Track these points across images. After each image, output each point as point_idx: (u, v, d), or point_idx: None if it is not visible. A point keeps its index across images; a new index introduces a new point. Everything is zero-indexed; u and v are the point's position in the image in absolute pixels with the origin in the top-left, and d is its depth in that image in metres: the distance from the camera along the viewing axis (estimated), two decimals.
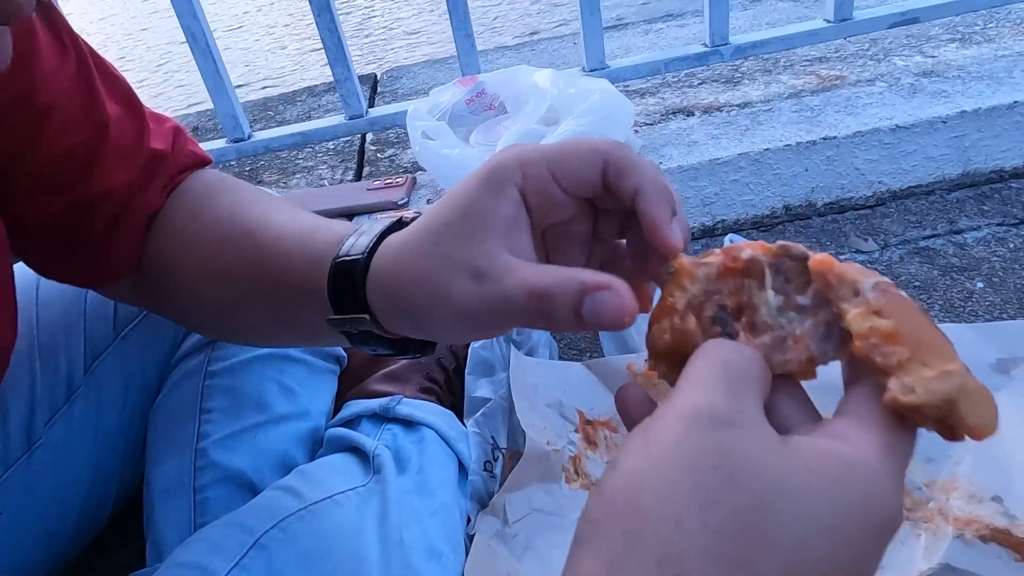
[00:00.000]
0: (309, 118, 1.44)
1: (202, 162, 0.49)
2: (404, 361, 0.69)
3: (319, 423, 0.63)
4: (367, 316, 0.34)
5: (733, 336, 0.27)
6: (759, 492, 0.21)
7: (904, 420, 0.24)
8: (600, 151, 0.30)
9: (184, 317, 0.51)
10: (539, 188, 0.31)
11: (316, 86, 1.61)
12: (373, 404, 0.63)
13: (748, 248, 0.28)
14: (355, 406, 0.64)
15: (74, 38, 0.43)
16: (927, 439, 0.57)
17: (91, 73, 0.44)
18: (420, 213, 0.36)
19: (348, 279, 0.34)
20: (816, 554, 0.21)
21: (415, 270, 0.31)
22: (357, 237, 0.35)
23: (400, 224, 0.35)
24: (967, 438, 0.24)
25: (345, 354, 0.70)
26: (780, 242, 0.28)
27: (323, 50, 1.00)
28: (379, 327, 0.34)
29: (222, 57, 1.00)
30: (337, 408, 0.67)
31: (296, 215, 0.42)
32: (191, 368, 0.60)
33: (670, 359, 0.28)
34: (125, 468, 0.62)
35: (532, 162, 0.30)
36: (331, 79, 1.04)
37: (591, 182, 0.30)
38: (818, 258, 0.26)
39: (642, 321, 0.30)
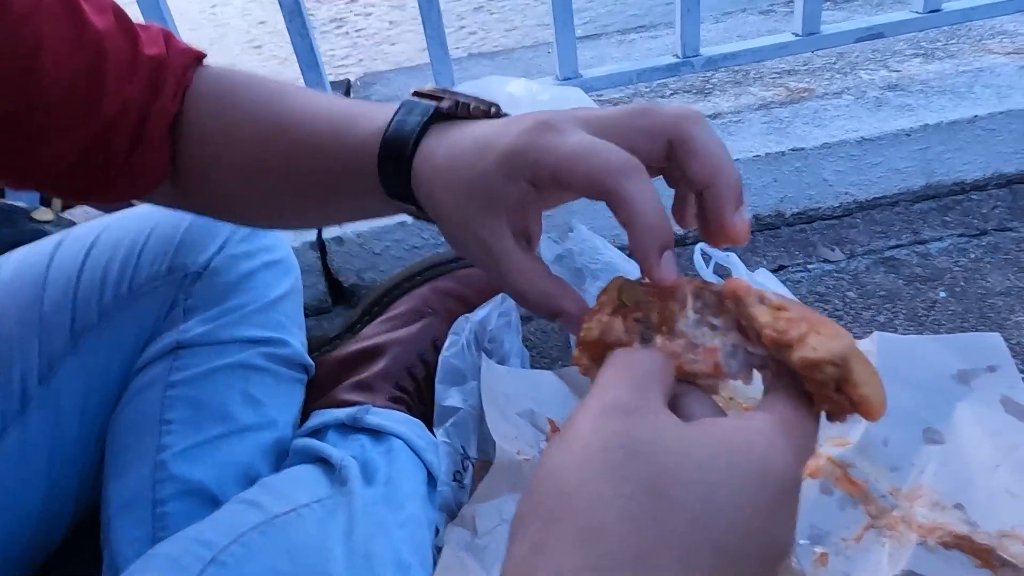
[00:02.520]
0: None
1: (197, 57, 0.47)
2: (374, 370, 0.68)
3: (285, 433, 0.62)
4: (413, 207, 0.38)
5: (649, 340, 0.30)
6: (662, 461, 0.23)
7: (806, 406, 0.27)
8: (596, 180, 0.30)
9: (226, 215, 0.51)
10: (548, 184, 0.32)
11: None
12: (341, 414, 0.62)
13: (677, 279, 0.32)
14: (322, 416, 0.63)
15: None
16: (892, 449, 0.57)
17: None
18: (453, 99, 0.37)
19: (395, 166, 0.37)
20: (720, 508, 0.23)
21: (442, 205, 0.35)
22: (401, 120, 0.37)
23: (437, 113, 0.37)
24: (858, 416, 0.27)
25: (312, 363, 0.69)
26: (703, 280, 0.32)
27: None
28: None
29: None
30: (304, 418, 0.66)
31: (321, 104, 0.43)
32: (153, 377, 0.58)
33: (593, 352, 0.31)
34: (83, 482, 0.60)
35: (544, 167, 0.32)
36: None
37: (655, 161, 0.32)
38: (732, 280, 0.30)
39: None
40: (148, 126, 0.44)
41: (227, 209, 0.50)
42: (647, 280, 0.31)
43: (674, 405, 0.28)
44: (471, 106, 0.37)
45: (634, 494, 0.22)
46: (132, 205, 0.67)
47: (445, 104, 0.37)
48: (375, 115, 0.39)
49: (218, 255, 0.64)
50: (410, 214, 0.40)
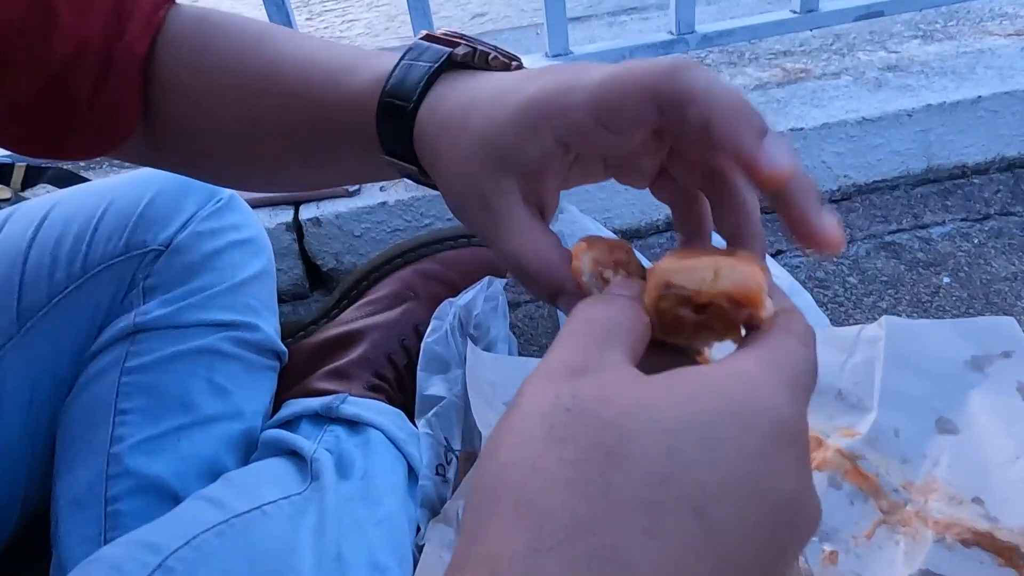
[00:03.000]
0: None
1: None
2: (352, 357, 0.64)
3: (254, 424, 0.57)
4: (415, 168, 0.33)
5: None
6: (611, 417, 0.19)
7: (796, 335, 0.23)
8: (648, 88, 0.25)
9: (207, 174, 0.46)
10: (584, 137, 0.27)
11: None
12: (315, 403, 0.58)
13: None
14: (295, 405, 0.59)
15: None
16: (904, 440, 0.54)
17: None
18: (469, 45, 0.33)
19: (396, 121, 0.32)
20: (689, 462, 0.18)
21: (445, 159, 0.31)
22: (405, 72, 0.32)
23: (450, 60, 0.32)
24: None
25: (285, 349, 0.64)
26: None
27: None
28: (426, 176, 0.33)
29: None
30: (276, 408, 0.61)
31: (314, 49, 0.38)
32: (108, 363, 0.53)
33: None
34: (32, 477, 0.55)
35: (575, 109, 0.26)
36: None
37: (648, 122, 0.26)
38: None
39: None
40: (113, 68, 0.39)
41: (208, 167, 0.45)
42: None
43: (645, 366, 0.23)
44: (490, 55, 0.33)
45: (579, 458, 0.19)
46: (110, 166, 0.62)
47: (461, 51, 0.32)
48: (376, 62, 0.34)
49: (182, 232, 0.59)
50: (410, 177, 0.35)
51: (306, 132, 0.38)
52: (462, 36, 0.33)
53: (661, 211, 0.95)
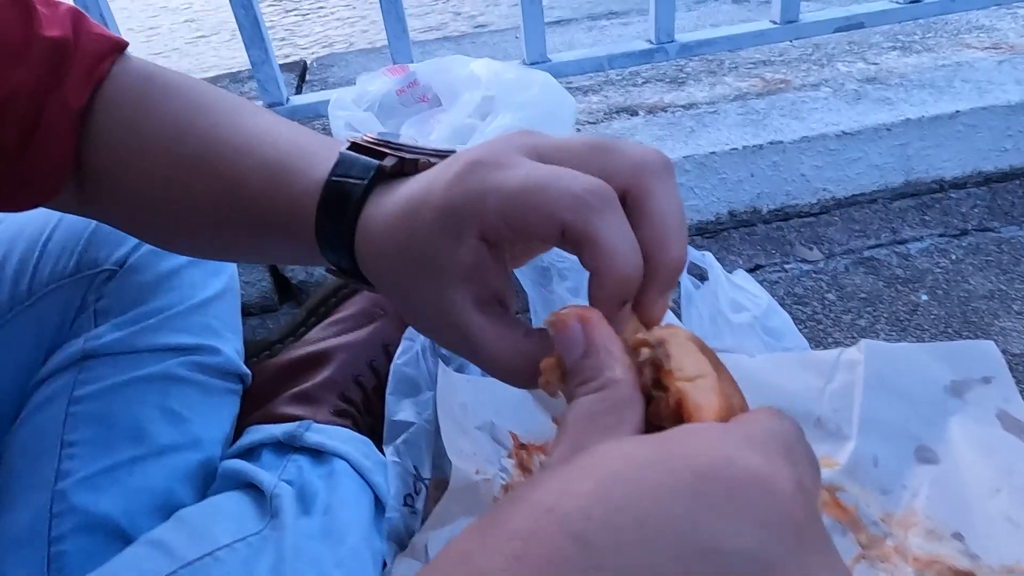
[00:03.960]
0: None
1: (117, 46, 0.40)
2: (318, 379, 0.62)
3: (213, 453, 0.55)
4: (365, 283, 0.33)
5: None
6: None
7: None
8: (555, 219, 0.25)
9: (137, 235, 0.45)
10: (502, 236, 0.27)
11: (240, 72, 1.50)
12: (277, 431, 0.55)
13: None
14: (257, 432, 0.56)
15: None
16: (883, 469, 0.53)
17: None
18: (396, 155, 0.32)
19: (333, 242, 0.32)
20: (580, 492, 0.18)
21: (389, 282, 0.31)
22: (337, 182, 0.32)
23: (380, 173, 0.32)
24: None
25: (249, 371, 0.61)
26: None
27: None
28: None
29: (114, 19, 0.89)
30: (239, 431, 0.59)
31: (252, 137, 0.36)
32: (54, 392, 0.51)
33: (561, 371, 0.26)
34: None
35: (490, 213, 0.26)
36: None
37: (550, 240, 0.26)
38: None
39: None
40: (45, 119, 0.37)
41: (137, 232, 0.44)
42: None
43: None
44: (419, 162, 0.32)
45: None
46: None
47: (388, 163, 0.31)
48: (311, 167, 0.33)
49: (137, 250, 0.56)
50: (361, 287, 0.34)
51: (239, 224, 0.37)
52: (387, 142, 0.33)
53: None
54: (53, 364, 0.52)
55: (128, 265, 0.55)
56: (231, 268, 0.63)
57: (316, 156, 0.34)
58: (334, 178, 0.32)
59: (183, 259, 0.58)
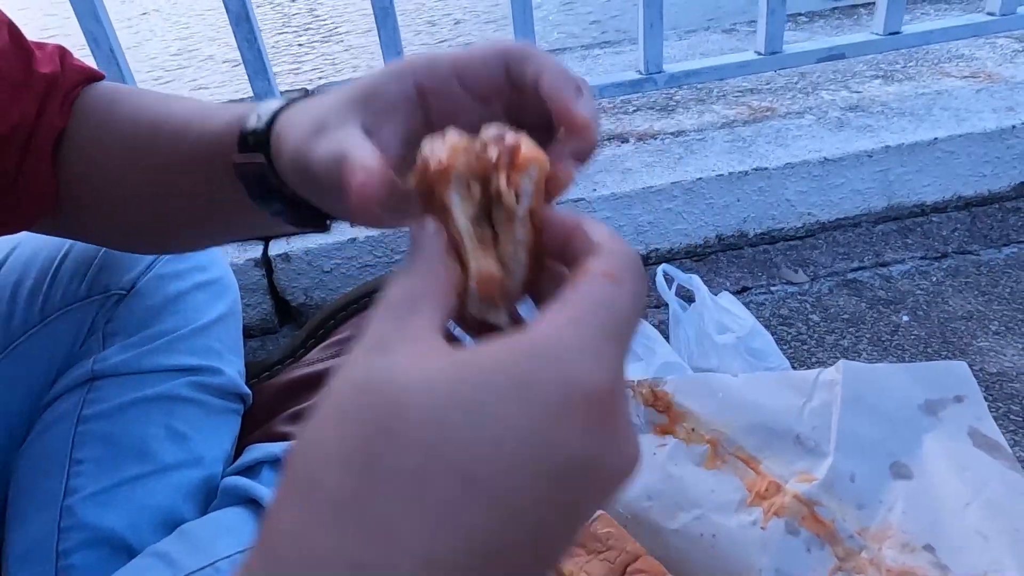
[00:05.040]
0: None
1: (93, 76, 0.45)
2: (316, 399, 0.64)
3: (214, 471, 0.57)
4: (263, 158, 0.34)
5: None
6: (392, 394, 0.19)
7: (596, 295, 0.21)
8: (500, 48, 0.30)
9: (108, 235, 0.49)
10: (443, 88, 0.30)
11: (245, 99, 1.54)
12: (276, 448, 0.57)
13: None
14: (257, 450, 0.58)
15: None
16: (859, 485, 0.55)
17: None
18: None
19: (253, 133, 0.34)
20: (457, 430, 0.18)
21: (298, 127, 0.31)
22: (262, 108, 0.35)
23: (306, 93, 0.35)
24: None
25: (249, 391, 0.64)
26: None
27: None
28: (280, 181, 0.34)
29: (129, 66, 0.92)
30: (239, 451, 0.61)
31: (196, 102, 0.41)
32: (63, 411, 0.53)
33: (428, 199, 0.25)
34: None
35: (438, 62, 0.30)
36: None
37: (496, 80, 0.30)
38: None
39: None
40: (34, 143, 0.42)
41: (108, 227, 0.47)
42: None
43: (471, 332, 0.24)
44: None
45: (355, 435, 0.19)
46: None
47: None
48: (244, 105, 0.37)
49: (145, 275, 0.59)
50: (276, 213, 0.36)
51: (187, 169, 0.40)
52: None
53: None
54: (63, 384, 0.54)
55: (136, 289, 0.58)
56: (234, 291, 0.66)
57: (236, 106, 0.38)
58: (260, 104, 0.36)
59: (188, 283, 0.61)
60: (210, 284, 0.63)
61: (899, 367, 0.61)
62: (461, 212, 0.24)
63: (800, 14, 1.73)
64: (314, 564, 0.18)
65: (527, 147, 0.24)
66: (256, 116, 0.35)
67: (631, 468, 0.20)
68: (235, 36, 0.90)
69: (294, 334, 0.86)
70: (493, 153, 0.24)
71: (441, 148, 0.24)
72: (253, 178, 0.35)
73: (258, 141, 0.34)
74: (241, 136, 0.35)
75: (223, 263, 0.66)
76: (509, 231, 0.24)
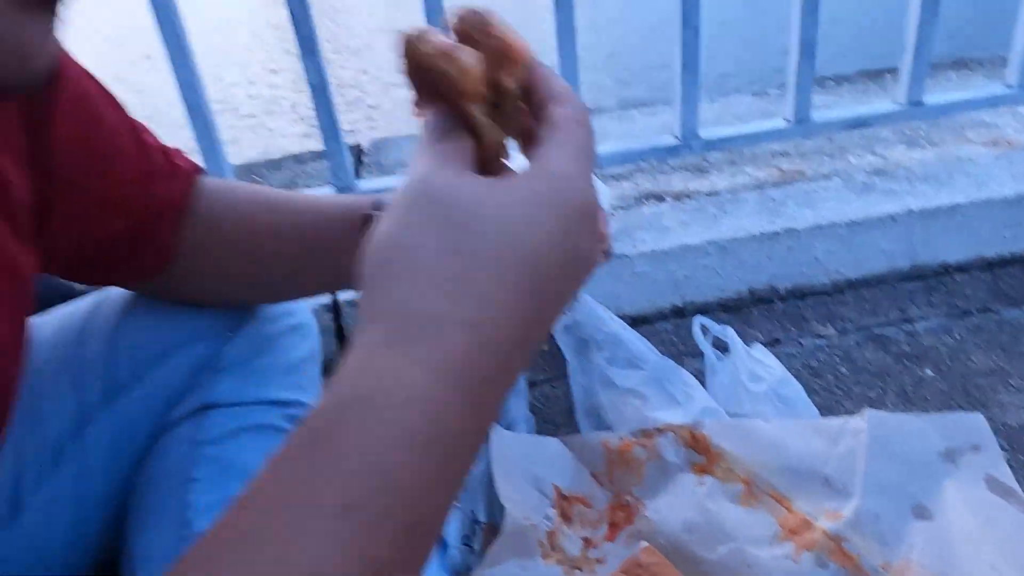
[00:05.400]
0: (295, 185, 1.48)
1: (199, 168, 0.56)
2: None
3: None
4: None
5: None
6: (468, 206, 0.27)
7: (571, 141, 0.30)
8: None
9: (208, 295, 0.60)
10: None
11: (302, 153, 1.66)
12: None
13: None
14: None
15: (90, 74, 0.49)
16: (883, 524, 0.60)
17: (118, 102, 0.50)
18: None
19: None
20: (519, 232, 0.27)
21: None
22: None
23: None
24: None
25: None
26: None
27: (293, 115, 1.05)
28: None
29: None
30: None
31: (305, 197, 0.54)
32: (180, 435, 0.61)
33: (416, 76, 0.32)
34: (101, 538, 0.62)
35: None
36: (311, 147, 1.09)
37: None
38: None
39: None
40: (163, 216, 0.52)
41: (215, 290, 0.59)
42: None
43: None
44: None
45: (448, 235, 0.26)
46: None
47: None
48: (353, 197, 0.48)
49: (246, 320, 0.68)
50: None
51: (304, 240, 0.51)
52: None
53: (667, 298, 1.04)
54: (179, 412, 0.62)
55: (240, 332, 0.67)
56: (315, 335, 0.74)
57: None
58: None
59: (280, 327, 0.69)
60: (297, 327, 0.71)
61: (921, 417, 0.66)
62: (480, 112, 0.31)
63: (828, 78, 1.82)
64: (434, 325, 0.25)
65: (514, 44, 0.31)
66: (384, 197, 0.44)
67: (598, 249, 0.31)
68: (315, 104, 1.00)
69: None
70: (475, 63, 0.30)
71: (460, 70, 0.30)
72: None
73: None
74: (375, 204, 0.44)
75: (306, 309, 0.74)
76: (506, 106, 0.32)
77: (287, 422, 0.65)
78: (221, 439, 0.61)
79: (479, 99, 0.31)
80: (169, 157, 0.53)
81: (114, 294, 0.69)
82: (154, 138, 0.54)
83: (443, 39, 0.31)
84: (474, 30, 0.31)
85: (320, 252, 0.54)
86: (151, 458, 0.62)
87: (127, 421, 0.62)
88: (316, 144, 1.17)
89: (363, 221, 0.50)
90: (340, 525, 0.24)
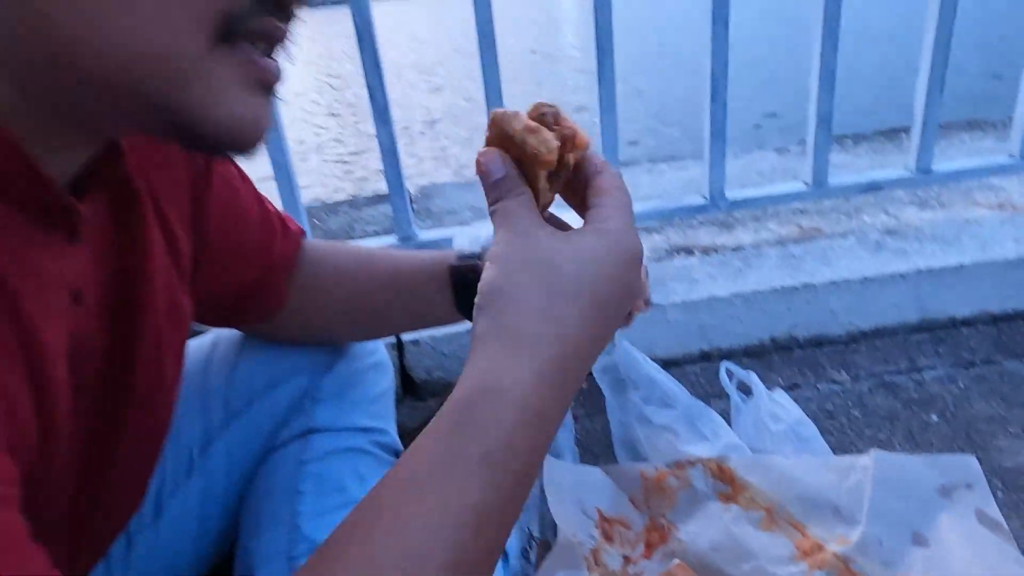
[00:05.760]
0: (352, 229, 1.62)
1: (303, 230, 0.69)
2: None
3: None
4: (479, 259, 0.59)
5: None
6: (552, 256, 0.38)
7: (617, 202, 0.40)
8: None
9: (316, 336, 0.73)
10: None
11: (356, 198, 1.81)
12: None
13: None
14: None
15: None
16: (886, 548, 0.70)
17: (248, 177, 0.63)
18: None
19: (468, 256, 0.61)
20: (591, 272, 0.37)
21: None
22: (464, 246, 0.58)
23: None
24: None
25: (403, 448, 0.83)
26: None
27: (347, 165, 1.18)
28: None
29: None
30: None
31: (399, 251, 0.69)
32: (288, 455, 0.72)
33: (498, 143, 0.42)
34: (218, 540, 0.73)
35: None
36: (365, 192, 1.22)
37: None
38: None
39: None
40: (275, 262, 0.65)
41: (318, 330, 0.72)
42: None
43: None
44: None
45: (534, 275, 0.37)
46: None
47: None
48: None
49: (337, 357, 0.80)
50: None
51: (399, 288, 0.65)
52: None
53: (696, 344, 1.14)
54: (286, 434, 0.74)
55: (334, 367, 0.79)
56: (391, 371, 0.86)
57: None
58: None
59: (365, 363, 0.81)
60: (377, 364, 0.83)
61: (921, 457, 0.76)
62: (543, 178, 0.40)
63: (847, 136, 1.94)
64: (533, 341, 0.36)
65: (580, 133, 0.42)
66: (467, 249, 0.56)
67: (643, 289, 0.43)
68: (384, 168, 1.14)
69: (415, 403, 1.06)
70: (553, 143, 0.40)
71: (547, 147, 0.40)
72: (462, 286, 0.56)
73: (470, 260, 0.56)
74: (458, 257, 0.58)
75: (383, 348, 0.87)
76: (561, 175, 0.41)
77: (372, 446, 0.77)
78: (321, 458, 0.72)
79: (550, 168, 0.42)
80: (283, 221, 0.66)
81: (227, 333, 0.82)
82: (272, 205, 0.66)
83: (530, 120, 0.42)
84: (548, 118, 0.42)
85: (407, 300, 0.67)
86: (262, 472, 0.74)
87: (242, 441, 0.74)
88: (356, 187, 1.30)
89: (449, 273, 0.63)
90: (481, 470, 0.35)
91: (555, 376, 0.37)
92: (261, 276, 0.64)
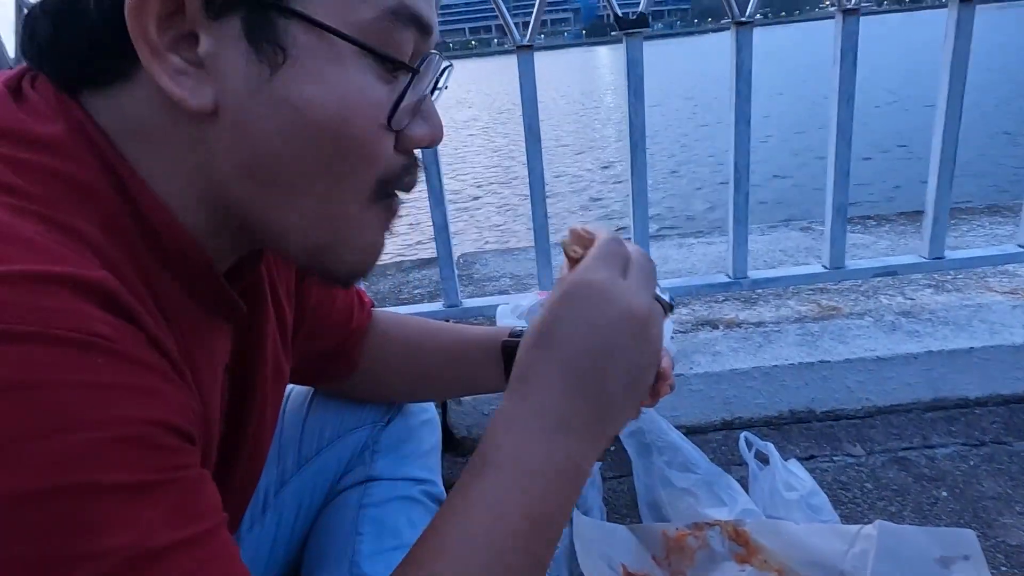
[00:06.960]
0: (400, 293, 1.75)
1: (373, 302, 0.80)
2: None
3: None
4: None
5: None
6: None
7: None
8: None
9: (379, 395, 0.84)
10: None
11: (403, 262, 1.94)
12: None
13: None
14: None
15: None
16: None
17: None
18: None
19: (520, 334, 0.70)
20: (588, 341, 0.43)
21: None
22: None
23: None
24: None
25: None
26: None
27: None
28: None
29: None
30: None
31: (456, 327, 0.80)
32: (349, 500, 0.83)
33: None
34: (283, 574, 0.83)
35: None
36: (411, 256, 1.35)
37: None
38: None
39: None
40: (351, 331, 0.76)
41: (383, 390, 0.82)
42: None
43: None
44: None
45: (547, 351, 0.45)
46: None
47: None
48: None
49: (395, 413, 0.90)
50: None
51: (456, 358, 0.74)
52: None
53: (718, 414, 1.22)
54: (347, 481, 0.84)
55: (391, 423, 0.89)
56: (439, 428, 0.96)
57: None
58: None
59: (417, 420, 0.92)
60: (428, 422, 0.94)
61: (923, 529, 0.83)
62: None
63: (869, 217, 2.02)
64: (547, 399, 0.43)
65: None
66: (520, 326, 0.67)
67: (657, 355, 0.46)
68: (436, 241, 1.27)
69: (454, 458, 1.15)
70: None
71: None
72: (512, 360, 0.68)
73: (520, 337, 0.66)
74: (511, 333, 0.68)
75: (433, 407, 0.97)
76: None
77: (422, 495, 0.87)
78: (378, 504, 0.82)
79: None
80: (359, 294, 0.78)
81: (297, 388, 0.93)
82: None
83: (569, 241, 0.53)
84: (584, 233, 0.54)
85: (463, 371, 0.77)
86: (326, 514, 0.84)
87: (311, 484, 0.85)
88: (401, 249, 1.43)
89: (503, 347, 0.74)
90: (520, 481, 0.44)
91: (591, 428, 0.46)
92: (340, 343, 0.76)
